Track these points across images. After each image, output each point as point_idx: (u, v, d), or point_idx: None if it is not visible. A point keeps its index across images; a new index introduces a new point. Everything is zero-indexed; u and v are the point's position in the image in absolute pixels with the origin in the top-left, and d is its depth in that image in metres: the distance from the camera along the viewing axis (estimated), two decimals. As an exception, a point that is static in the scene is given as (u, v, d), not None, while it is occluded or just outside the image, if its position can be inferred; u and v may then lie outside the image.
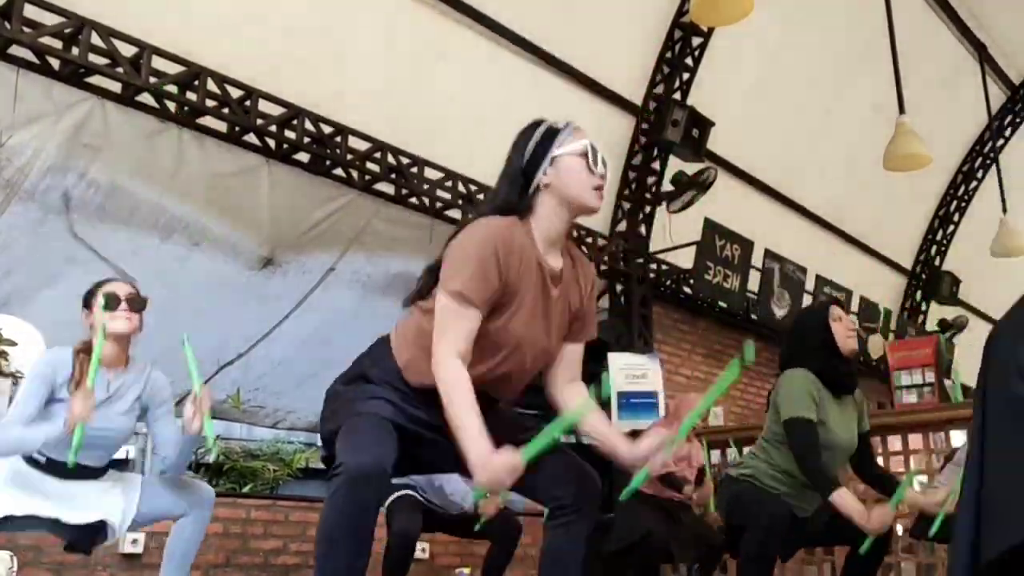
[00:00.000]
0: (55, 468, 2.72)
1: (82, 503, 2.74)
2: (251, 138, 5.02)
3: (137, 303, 2.85)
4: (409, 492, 3.98)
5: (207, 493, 2.98)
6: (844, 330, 3.25)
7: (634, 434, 2.13)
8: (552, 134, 2.07)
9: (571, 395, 2.18)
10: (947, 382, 7.28)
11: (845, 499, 2.97)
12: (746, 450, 3.69)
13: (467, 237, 1.98)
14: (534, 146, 2.06)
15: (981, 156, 10.40)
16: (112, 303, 2.80)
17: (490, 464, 1.82)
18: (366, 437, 1.93)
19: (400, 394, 2.07)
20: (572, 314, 2.16)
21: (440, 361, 1.91)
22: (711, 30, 6.92)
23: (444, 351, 1.91)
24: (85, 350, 2.75)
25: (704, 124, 6.94)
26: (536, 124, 2.11)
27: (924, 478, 5.44)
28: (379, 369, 2.11)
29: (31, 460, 2.73)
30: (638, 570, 4.42)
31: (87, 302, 2.87)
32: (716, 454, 5.42)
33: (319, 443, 8.16)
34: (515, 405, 2.30)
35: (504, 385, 2.11)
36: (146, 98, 4.61)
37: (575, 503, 2.04)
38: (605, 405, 4.89)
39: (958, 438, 5.44)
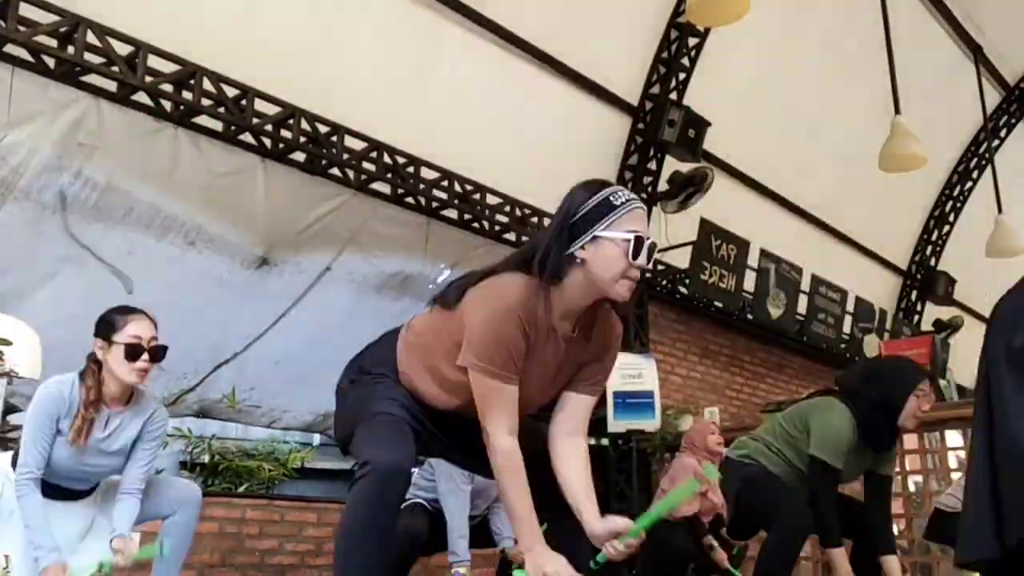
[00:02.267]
0: (45, 491, 2.72)
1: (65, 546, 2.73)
2: (247, 137, 5.01)
3: (159, 354, 2.75)
4: (418, 500, 3.86)
5: (194, 493, 2.97)
6: (916, 408, 3.26)
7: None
8: (605, 209, 1.93)
9: (565, 451, 2.07)
10: (942, 382, 7.31)
11: (839, 559, 3.18)
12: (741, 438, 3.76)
13: (496, 313, 1.92)
14: (583, 215, 1.93)
15: (976, 156, 10.42)
16: (134, 354, 2.68)
17: (540, 567, 1.88)
18: (388, 436, 1.96)
19: (403, 390, 2.12)
20: (581, 364, 2.10)
21: (494, 440, 1.92)
22: (707, 30, 6.92)
23: (496, 429, 1.92)
24: (92, 386, 2.71)
25: (700, 124, 6.94)
26: (597, 187, 1.98)
27: (919, 479, 5.46)
28: (385, 367, 2.14)
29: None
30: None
31: (105, 332, 2.72)
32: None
33: (315, 443, 8.13)
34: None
35: None
36: (142, 97, 4.59)
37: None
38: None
39: (953, 438, 5.45)
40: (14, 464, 2.76)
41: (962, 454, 5.11)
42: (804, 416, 3.37)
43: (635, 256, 1.91)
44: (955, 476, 4.90)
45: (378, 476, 1.86)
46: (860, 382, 3.35)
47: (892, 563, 3.28)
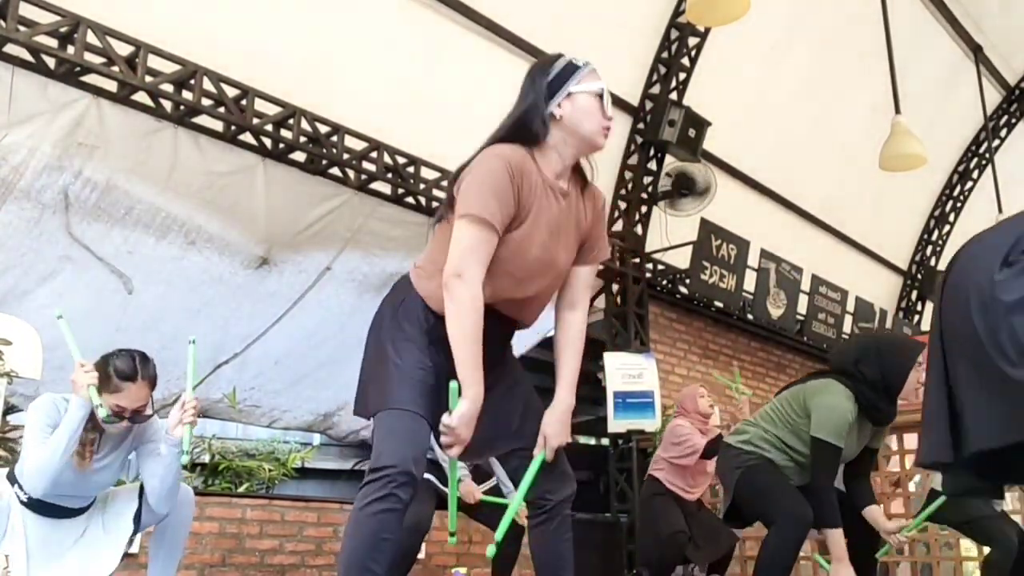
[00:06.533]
0: (40, 508, 2.73)
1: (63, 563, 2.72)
2: (247, 137, 5.01)
3: (140, 418, 2.74)
4: (426, 477, 3.80)
5: (187, 493, 2.97)
6: (916, 381, 3.28)
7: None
8: (572, 70, 2.11)
9: (562, 329, 2.21)
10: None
11: (836, 539, 3.18)
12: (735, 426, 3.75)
13: (482, 164, 2.02)
14: (552, 78, 2.10)
15: (977, 156, 10.43)
16: (114, 418, 2.66)
17: (477, 399, 1.92)
18: (404, 435, 1.98)
19: (426, 337, 2.09)
20: (581, 234, 2.19)
21: (453, 278, 1.94)
22: (707, 30, 6.92)
23: (459, 267, 1.94)
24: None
25: (700, 124, 6.96)
26: (556, 57, 2.15)
27: (919, 477, 5.46)
28: (404, 310, 2.13)
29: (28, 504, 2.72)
30: (655, 570, 4.49)
31: (100, 380, 2.65)
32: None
33: (315, 443, 8.06)
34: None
35: (523, 308, 2.15)
36: (142, 97, 4.59)
37: (556, 502, 2.14)
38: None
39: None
40: (10, 479, 2.76)
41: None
42: (803, 399, 3.35)
43: (605, 106, 2.10)
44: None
45: (389, 482, 1.91)
46: (856, 360, 3.32)
47: (875, 511, 3.42)
